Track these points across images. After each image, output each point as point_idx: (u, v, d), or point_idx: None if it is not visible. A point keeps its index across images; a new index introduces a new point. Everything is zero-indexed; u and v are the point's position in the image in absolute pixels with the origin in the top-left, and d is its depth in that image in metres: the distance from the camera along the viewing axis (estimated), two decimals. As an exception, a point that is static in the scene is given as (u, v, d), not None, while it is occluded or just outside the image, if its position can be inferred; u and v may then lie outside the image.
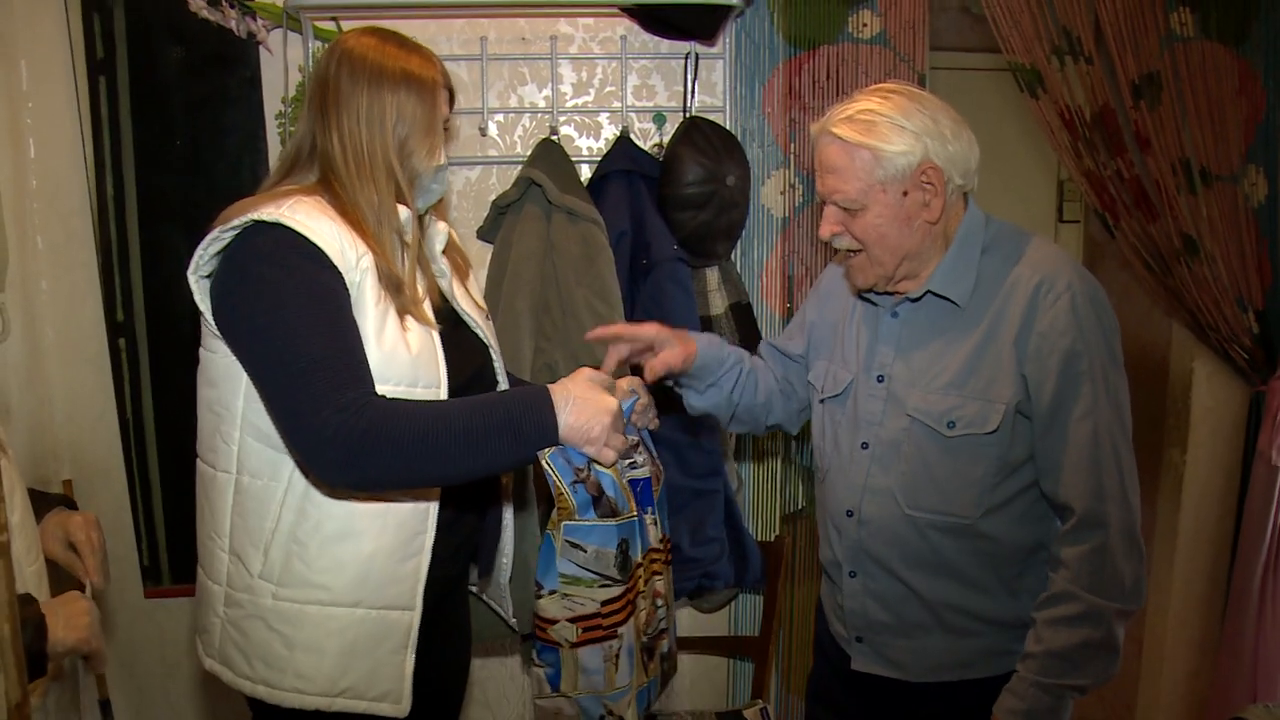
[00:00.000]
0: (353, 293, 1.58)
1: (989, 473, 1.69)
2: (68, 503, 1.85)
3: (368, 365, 1.56)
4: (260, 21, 2.60)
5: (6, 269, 2.59)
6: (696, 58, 2.73)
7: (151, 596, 2.91)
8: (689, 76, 2.72)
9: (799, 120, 2.76)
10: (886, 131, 1.64)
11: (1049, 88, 2.58)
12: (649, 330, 1.89)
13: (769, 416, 2.07)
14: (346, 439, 1.47)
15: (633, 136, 2.73)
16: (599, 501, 1.65)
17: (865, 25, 2.75)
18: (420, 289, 1.71)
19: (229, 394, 1.64)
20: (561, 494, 1.62)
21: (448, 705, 1.97)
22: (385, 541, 1.65)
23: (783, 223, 2.85)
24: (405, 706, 1.70)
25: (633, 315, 2.60)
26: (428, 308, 1.71)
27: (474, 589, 2.06)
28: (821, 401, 1.92)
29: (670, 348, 1.87)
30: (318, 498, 1.63)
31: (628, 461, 1.74)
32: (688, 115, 2.70)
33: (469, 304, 1.86)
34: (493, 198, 2.70)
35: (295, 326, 1.51)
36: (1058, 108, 2.59)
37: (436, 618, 1.82)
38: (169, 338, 2.77)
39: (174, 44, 2.66)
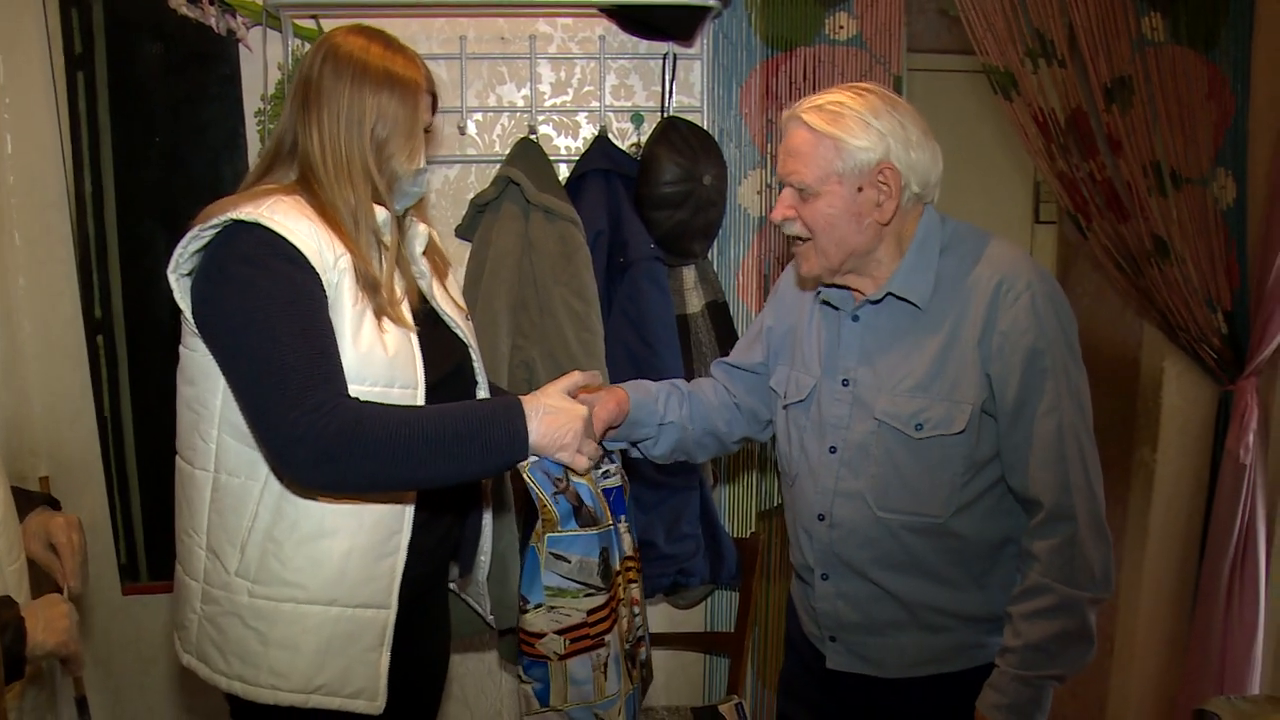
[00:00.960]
0: (330, 293, 1.59)
1: (957, 472, 1.71)
2: (51, 502, 1.85)
3: (341, 367, 1.57)
4: (240, 19, 2.60)
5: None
6: (674, 58, 2.75)
7: (129, 593, 2.92)
8: (667, 77, 2.74)
9: (776, 121, 2.79)
10: (853, 125, 1.66)
11: (1023, 90, 2.61)
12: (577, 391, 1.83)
13: (731, 432, 2.06)
14: (317, 440, 1.48)
15: (611, 136, 2.75)
16: (579, 511, 1.68)
17: (841, 27, 2.77)
18: (399, 290, 1.72)
19: (207, 392, 1.65)
20: (545, 506, 1.66)
21: (426, 701, 1.98)
22: (361, 541, 1.66)
23: (759, 222, 2.87)
24: (380, 704, 1.71)
25: (609, 313, 2.62)
26: (406, 309, 1.71)
27: (453, 586, 2.07)
28: (785, 407, 1.93)
29: (601, 402, 1.84)
30: (294, 497, 1.64)
31: (600, 471, 1.77)
32: (665, 115, 2.72)
33: (448, 304, 1.86)
34: (471, 196, 2.71)
35: (270, 327, 1.51)
36: (1031, 110, 2.62)
37: (415, 615, 1.83)
38: (147, 335, 2.77)
39: (153, 40, 2.66)
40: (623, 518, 1.82)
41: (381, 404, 1.58)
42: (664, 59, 2.75)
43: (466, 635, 2.20)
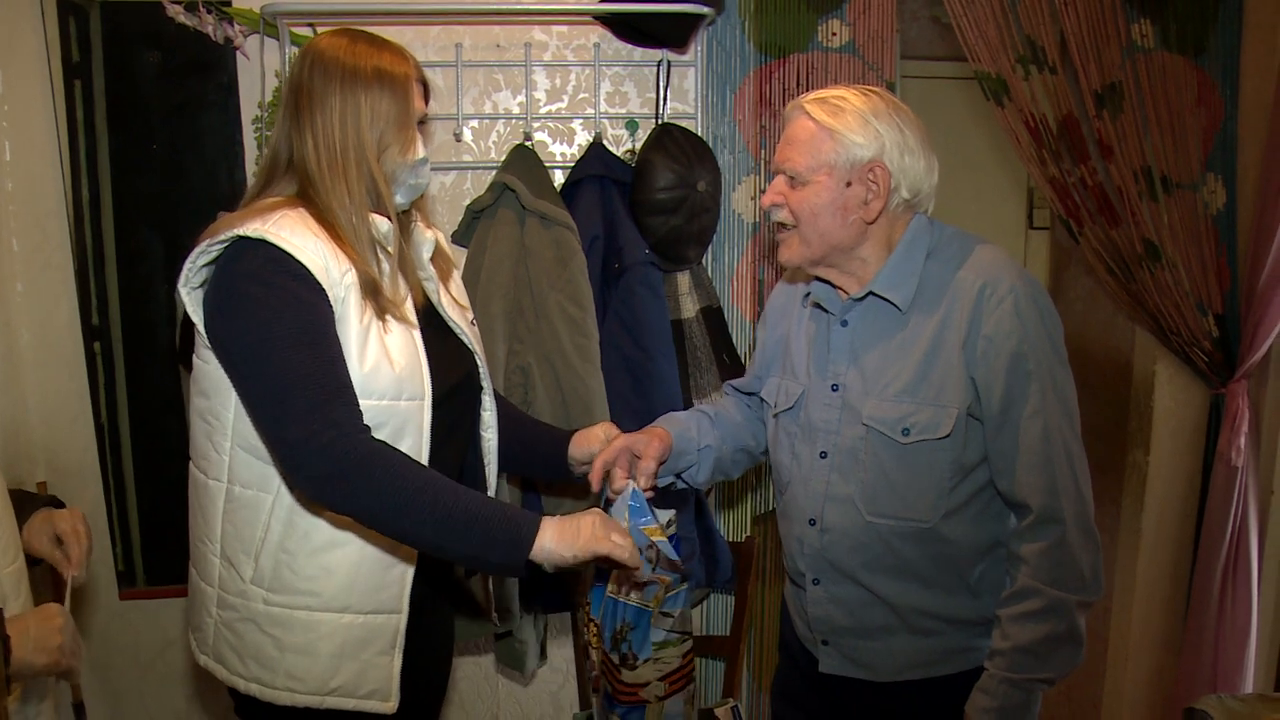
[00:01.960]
0: (337, 309, 1.61)
1: (945, 476, 1.72)
2: (55, 503, 1.85)
3: (351, 384, 1.59)
4: (237, 27, 2.62)
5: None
6: (669, 65, 2.77)
7: (126, 598, 2.92)
8: (661, 84, 2.76)
9: (769, 127, 2.81)
10: (852, 120, 1.69)
11: (1014, 97, 2.63)
12: (618, 444, 1.90)
13: (759, 444, 2.09)
14: (337, 456, 1.50)
15: (605, 143, 2.76)
16: (674, 568, 1.75)
17: (835, 34, 2.80)
18: (401, 291, 1.73)
19: (220, 405, 1.67)
20: (661, 578, 1.73)
21: (431, 699, 2.01)
22: (370, 550, 1.69)
23: (754, 228, 2.89)
24: (393, 704, 1.74)
25: (604, 319, 2.63)
26: (409, 309, 1.72)
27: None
28: (775, 416, 1.94)
29: (646, 445, 1.89)
30: (305, 509, 1.66)
31: (665, 521, 1.80)
32: (660, 122, 2.74)
33: (454, 309, 1.87)
34: (467, 202, 2.72)
35: (281, 343, 1.53)
36: (1023, 116, 2.64)
37: (422, 616, 1.85)
38: (145, 342, 2.79)
39: (150, 49, 2.68)
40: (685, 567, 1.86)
41: (407, 456, 1.58)
42: (658, 66, 2.77)
43: (460, 639, 2.21)
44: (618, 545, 1.58)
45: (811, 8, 2.79)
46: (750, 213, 2.88)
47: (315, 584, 1.67)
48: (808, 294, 1.89)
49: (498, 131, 2.81)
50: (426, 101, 1.78)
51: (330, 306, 1.60)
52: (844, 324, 1.82)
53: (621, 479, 1.84)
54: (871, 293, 1.77)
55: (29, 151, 2.68)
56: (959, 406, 1.69)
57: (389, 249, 1.71)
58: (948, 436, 1.70)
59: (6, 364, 2.71)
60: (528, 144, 2.71)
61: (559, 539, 1.56)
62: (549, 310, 2.56)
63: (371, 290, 1.64)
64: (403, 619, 1.73)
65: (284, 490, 1.66)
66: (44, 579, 1.77)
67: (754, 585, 2.89)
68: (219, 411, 1.67)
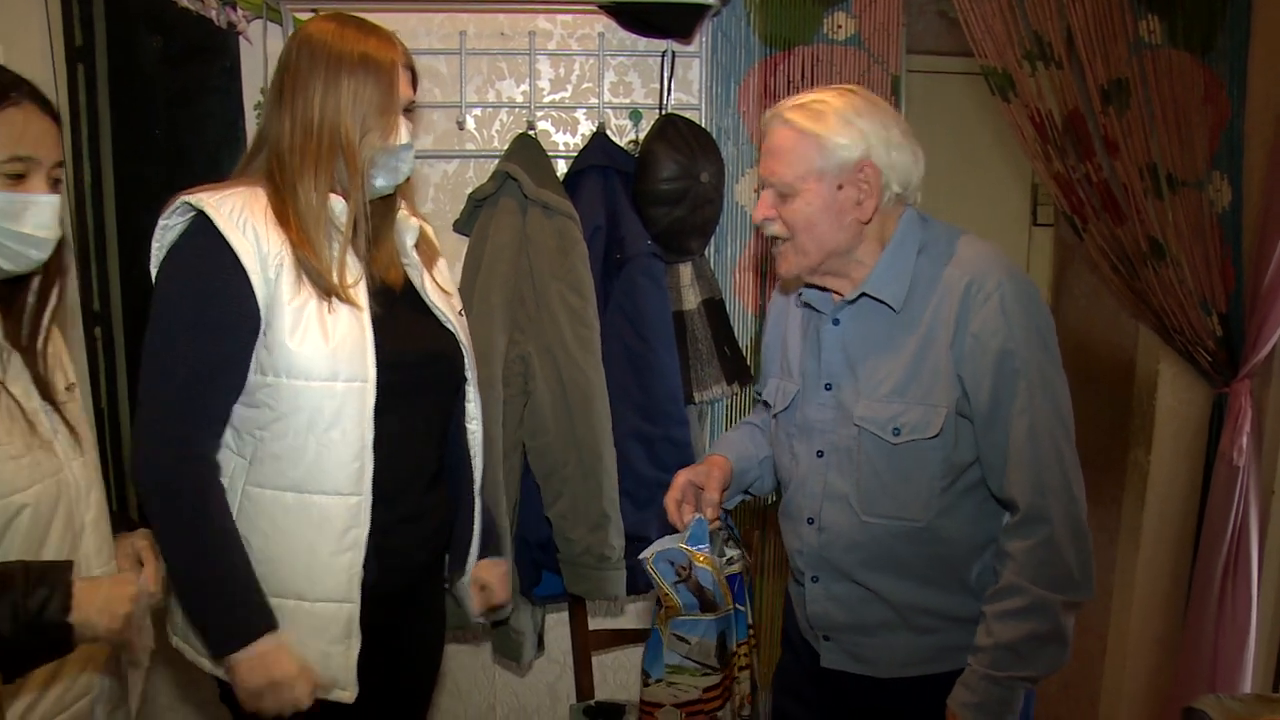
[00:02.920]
0: (268, 289, 1.63)
1: (936, 476, 1.71)
2: (129, 524, 1.83)
3: (221, 398, 1.66)
4: (240, 12, 2.61)
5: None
6: (673, 55, 2.76)
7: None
8: (665, 74, 2.75)
9: (774, 119, 2.79)
10: (834, 123, 1.66)
11: (1020, 92, 2.61)
12: (680, 480, 1.90)
13: None
14: (171, 473, 1.62)
15: (609, 133, 2.75)
16: (702, 598, 1.77)
17: (840, 27, 2.78)
18: (352, 274, 1.71)
19: None
20: (667, 595, 1.77)
21: (415, 691, 2.00)
22: (314, 537, 1.68)
23: (757, 220, 2.88)
24: (351, 694, 1.72)
25: (605, 309, 2.63)
26: (360, 293, 1.71)
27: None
28: (775, 417, 1.94)
29: (707, 476, 1.90)
30: (253, 493, 1.68)
31: (724, 559, 1.85)
32: (664, 112, 2.73)
33: (439, 296, 1.87)
34: (469, 191, 2.71)
35: (173, 334, 1.63)
36: (1028, 111, 2.63)
37: (407, 604, 1.85)
38: (145, 327, 2.77)
39: (153, 32, 2.66)
40: (743, 603, 1.89)
41: (223, 504, 1.66)
42: (663, 56, 2.76)
43: (452, 628, 2.20)
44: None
45: (817, 0, 2.78)
46: (753, 205, 2.85)
47: (265, 569, 1.66)
48: (799, 294, 1.88)
49: (501, 120, 2.80)
50: (415, 89, 1.78)
51: (251, 291, 1.62)
52: (835, 323, 1.80)
53: (689, 513, 1.85)
54: (865, 294, 1.75)
55: (31, 135, 2.66)
56: (948, 405, 1.68)
57: (341, 229, 1.70)
58: (937, 436, 1.69)
59: (6, 347, 2.70)
60: (531, 133, 2.70)
61: (247, 668, 1.62)
62: (550, 300, 2.56)
63: (308, 272, 1.65)
64: (354, 608, 1.71)
65: (236, 474, 1.68)
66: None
67: (755, 578, 2.89)
68: None
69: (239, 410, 1.68)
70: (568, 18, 2.78)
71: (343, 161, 1.68)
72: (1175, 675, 2.88)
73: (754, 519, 2.98)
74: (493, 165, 2.69)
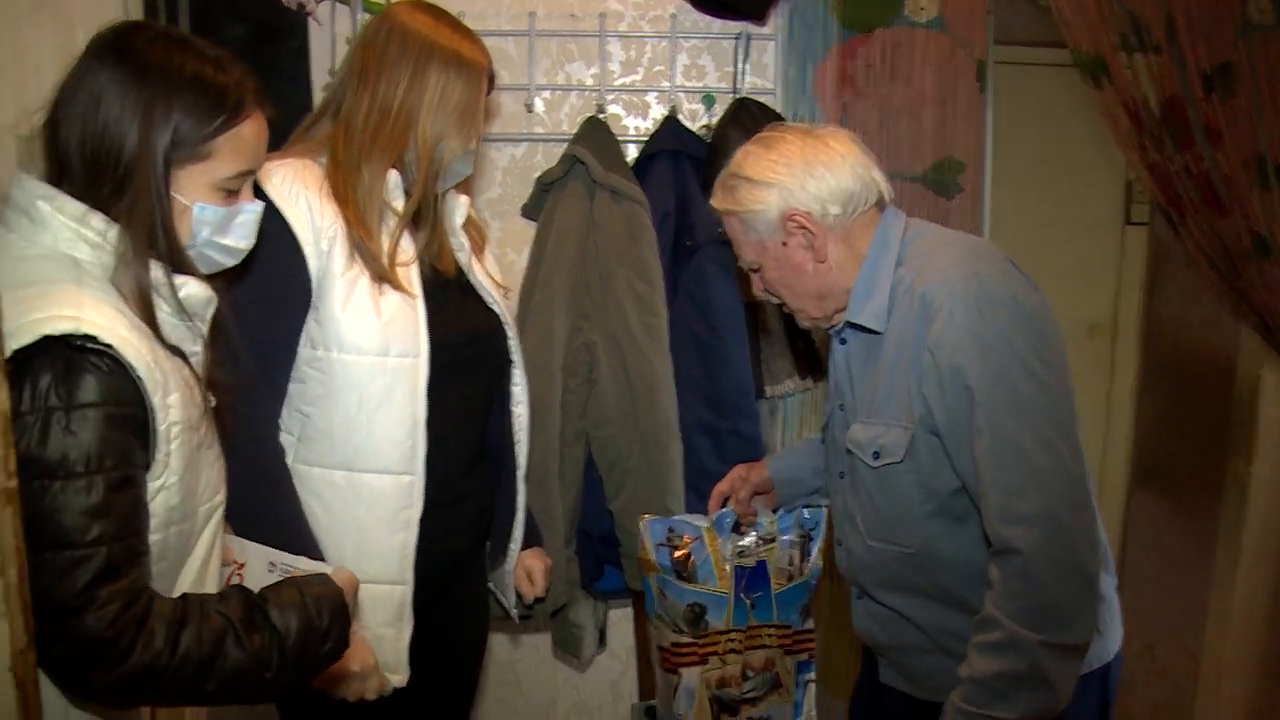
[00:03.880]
0: (319, 261, 1.61)
1: (917, 502, 1.61)
2: None
3: (285, 379, 1.65)
4: (311, -7, 2.61)
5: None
6: (748, 39, 2.68)
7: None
8: (739, 57, 2.67)
9: (851, 105, 2.70)
10: (745, 193, 1.65)
11: (1114, 78, 2.48)
12: (731, 474, 2.08)
13: None
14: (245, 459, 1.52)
15: (681, 117, 2.68)
16: (682, 566, 1.99)
17: (923, 8, 2.68)
18: (408, 255, 1.71)
19: None
20: (645, 551, 2.01)
21: (462, 677, 1.99)
22: (365, 517, 1.66)
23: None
24: (403, 678, 1.71)
25: (674, 297, 2.57)
26: (413, 275, 1.70)
27: None
28: (820, 432, 1.94)
29: (744, 481, 2.05)
30: (301, 471, 1.66)
31: (735, 550, 2.01)
32: (737, 96, 2.65)
33: (485, 279, 1.86)
34: (537, 175, 2.67)
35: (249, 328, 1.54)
36: (1122, 99, 2.49)
37: (448, 588, 1.83)
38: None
39: (232, 18, 2.66)
40: (754, 595, 2.03)
41: (293, 489, 1.64)
42: (737, 39, 2.69)
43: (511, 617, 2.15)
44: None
45: (899, -21, 2.68)
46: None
47: (318, 550, 1.64)
48: None
49: (570, 103, 2.75)
50: (488, 93, 1.80)
51: (305, 264, 1.61)
52: (842, 342, 1.75)
53: (716, 504, 2.07)
54: (849, 323, 1.69)
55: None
56: (914, 427, 1.58)
57: (395, 206, 1.70)
58: (904, 460, 1.59)
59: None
60: (600, 116, 2.64)
61: None
62: (616, 287, 2.50)
63: (361, 253, 1.64)
64: (408, 589, 1.70)
65: (285, 452, 1.66)
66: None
67: (824, 583, 2.78)
68: None
69: (288, 385, 1.67)
70: (640, -1, 2.72)
71: (414, 153, 1.68)
72: (1277, 704, 2.71)
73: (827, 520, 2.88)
74: (561, 149, 2.63)
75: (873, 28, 2.69)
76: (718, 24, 2.72)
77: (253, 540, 1.51)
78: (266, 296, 1.60)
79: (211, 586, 1.35)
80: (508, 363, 1.90)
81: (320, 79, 2.66)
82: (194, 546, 1.31)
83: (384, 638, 1.68)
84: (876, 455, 1.62)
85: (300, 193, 1.61)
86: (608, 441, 2.52)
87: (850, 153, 1.64)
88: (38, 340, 1.08)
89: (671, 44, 2.70)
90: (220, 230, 1.31)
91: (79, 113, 1.21)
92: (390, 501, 1.66)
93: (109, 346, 1.12)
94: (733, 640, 2.03)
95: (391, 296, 1.65)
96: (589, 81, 2.74)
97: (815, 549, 2.08)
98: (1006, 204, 3.02)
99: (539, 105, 2.74)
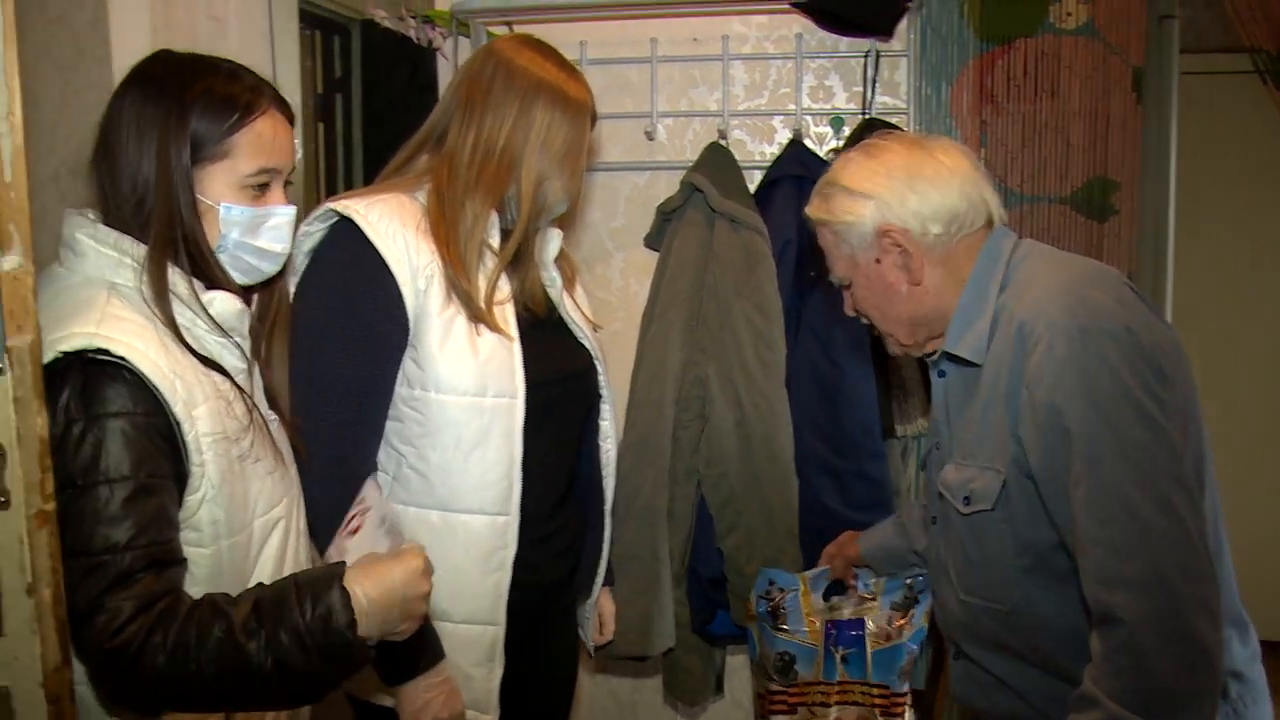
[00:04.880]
0: (417, 300, 1.59)
1: (1009, 555, 1.44)
2: None
3: (382, 418, 1.63)
4: (438, 29, 2.64)
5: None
6: (877, 55, 2.54)
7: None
8: (869, 76, 2.53)
9: (991, 123, 2.53)
10: (841, 203, 1.51)
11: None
12: (840, 539, 2.09)
13: None
14: (335, 497, 1.51)
15: (807, 141, 2.58)
16: (774, 615, 2.04)
17: (1070, 14, 2.47)
18: (504, 294, 1.68)
19: None
20: (748, 599, 2.12)
21: (552, 711, 1.95)
22: (460, 558, 1.63)
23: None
24: (493, 717, 1.69)
25: (796, 331, 2.45)
26: (509, 316, 1.67)
27: None
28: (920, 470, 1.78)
29: (836, 552, 2.07)
30: (396, 510, 1.63)
31: (827, 605, 2.04)
32: (865, 117, 2.52)
33: (576, 314, 1.83)
34: (659, 204, 2.61)
35: (322, 364, 1.56)
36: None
37: (538, 624, 1.79)
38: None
39: (399, 63, 2.70)
40: (843, 649, 2.01)
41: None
42: (865, 57, 2.55)
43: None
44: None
45: (1044, -16, 2.48)
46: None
47: None
48: None
49: (694, 130, 2.69)
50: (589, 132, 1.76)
51: (402, 303, 1.58)
52: (941, 375, 1.59)
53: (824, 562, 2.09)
54: (945, 353, 1.53)
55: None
56: (1006, 472, 1.41)
57: (492, 243, 1.67)
58: (994, 508, 1.43)
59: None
60: (722, 142, 2.56)
61: (424, 693, 1.60)
62: (734, 319, 2.41)
63: (457, 293, 1.61)
64: (500, 630, 1.67)
65: (388, 491, 1.64)
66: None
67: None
68: None
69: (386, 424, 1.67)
70: (763, 19, 2.62)
71: (516, 193, 1.66)
72: None
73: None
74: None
75: (1014, 38, 2.51)
76: (845, 42, 2.60)
77: None
78: (361, 335, 1.59)
79: None
80: (598, 397, 1.86)
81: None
82: (258, 560, 1.32)
83: (475, 677, 1.66)
84: (967, 500, 1.47)
85: (398, 231, 1.59)
86: (719, 480, 2.42)
87: (960, 168, 1.50)
88: (57, 358, 1.12)
89: (797, 65, 2.59)
90: (250, 232, 1.32)
91: (109, 143, 1.27)
92: (485, 543, 1.64)
93: (123, 359, 1.14)
94: (823, 693, 2.01)
95: (488, 337, 1.63)
96: (712, 106, 2.66)
97: (921, 611, 1.99)
98: (1194, 229, 2.77)
99: (661, 132, 2.68)
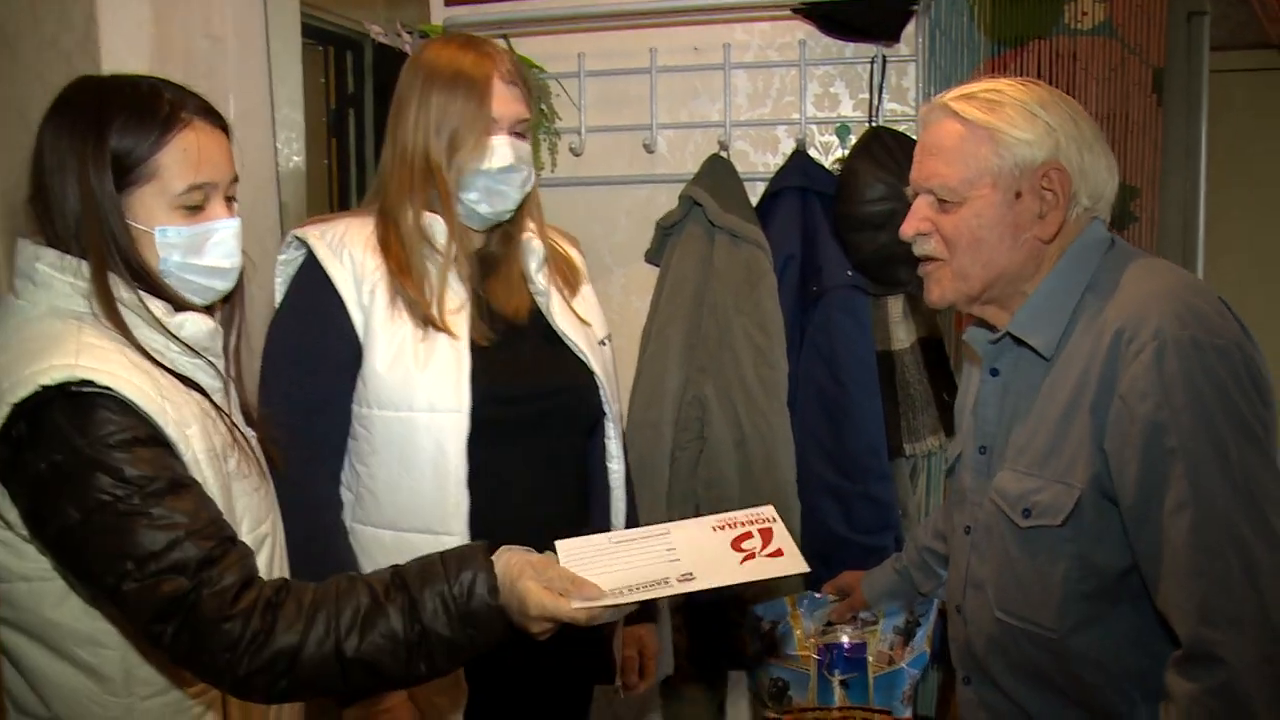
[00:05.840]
0: (363, 315, 1.60)
1: (1070, 578, 1.31)
2: None
3: (341, 439, 1.64)
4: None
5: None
6: (884, 61, 2.44)
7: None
8: (875, 82, 2.44)
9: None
10: (1014, 114, 1.33)
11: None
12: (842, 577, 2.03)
13: None
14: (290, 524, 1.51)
15: (812, 150, 2.49)
16: (770, 648, 2.02)
17: (1085, 14, 2.34)
18: (457, 302, 1.65)
19: None
20: (745, 637, 2.10)
21: None
22: None
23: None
24: None
25: (799, 348, 2.38)
26: (462, 321, 1.64)
27: None
28: (946, 476, 1.66)
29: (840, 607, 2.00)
30: (357, 530, 1.69)
31: (819, 632, 2.00)
32: (872, 125, 2.42)
33: (571, 324, 1.76)
34: (658, 218, 2.55)
35: (279, 386, 1.59)
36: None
37: (537, 654, 1.70)
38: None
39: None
40: (838, 672, 1.97)
41: (346, 552, 1.63)
42: (872, 62, 2.45)
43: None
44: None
45: (1058, -18, 2.37)
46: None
47: None
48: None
49: (695, 141, 2.61)
50: (528, 107, 1.69)
51: (350, 321, 1.61)
52: (994, 373, 1.46)
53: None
54: (1009, 333, 1.40)
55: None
56: (1083, 486, 1.28)
57: (438, 245, 1.65)
58: (1065, 524, 1.30)
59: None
60: (723, 153, 2.49)
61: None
62: (733, 337, 2.35)
63: (404, 299, 1.61)
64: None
65: (345, 511, 1.68)
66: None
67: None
68: None
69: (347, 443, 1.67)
70: (765, 26, 2.54)
71: (433, 181, 1.64)
72: None
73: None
74: (686, 191, 2.50)
75: (1026, 40, 2.39)
76: (851, 48, 2.51)
77: None
78: (307, 356, 1.61)
79: None
80: (599, 415, 1.80)
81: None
82: None
83: (438, 705, 1.62)
84: (1027, 513, 1.35)
85: (344, 248, 1.62)
86: (719, 503, 2.34)
87: (1115, 164, 1.41)
88: (34, 393, 1.10)
89: (801, 72, 2.51)
90: (193, 252, 1.28)
91: (37, 178, 1.24)
92: None
93: (108, 389, 1.13)
94: (805, 715, 1.99)
95: (437, 344, 1.61)
96: (714, 117, 2.58)
97: (922, 635, 1.94)
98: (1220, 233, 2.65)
99: (662, 145, 2.61)
